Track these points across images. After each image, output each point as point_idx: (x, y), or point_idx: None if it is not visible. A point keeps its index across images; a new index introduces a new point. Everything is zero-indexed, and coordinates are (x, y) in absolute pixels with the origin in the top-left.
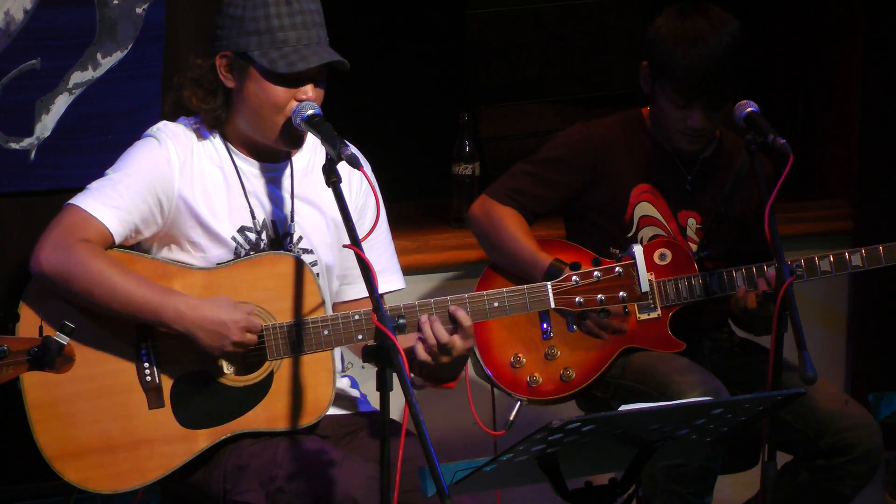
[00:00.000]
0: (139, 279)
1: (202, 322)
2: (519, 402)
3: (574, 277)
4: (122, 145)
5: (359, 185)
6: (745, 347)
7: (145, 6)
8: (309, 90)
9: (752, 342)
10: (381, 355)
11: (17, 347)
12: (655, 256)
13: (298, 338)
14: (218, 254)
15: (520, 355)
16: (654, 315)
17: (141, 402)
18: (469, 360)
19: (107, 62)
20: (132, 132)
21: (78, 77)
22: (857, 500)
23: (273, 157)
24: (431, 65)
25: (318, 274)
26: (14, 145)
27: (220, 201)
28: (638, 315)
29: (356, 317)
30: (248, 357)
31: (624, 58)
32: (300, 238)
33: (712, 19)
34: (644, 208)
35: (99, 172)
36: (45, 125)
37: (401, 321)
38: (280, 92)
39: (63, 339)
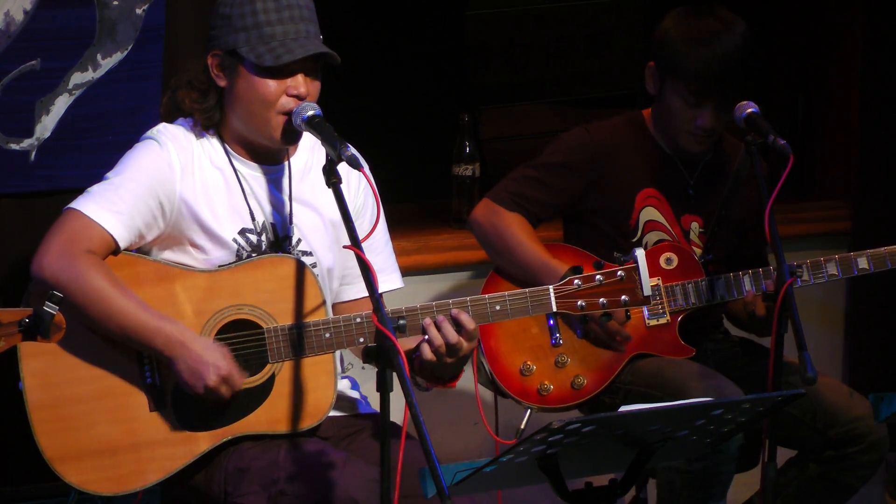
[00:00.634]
0: (138, 303)
1: (186, 355)
2: (529, 411)
3: (576, 281)
4: (122, 146)
5: (357, 184)
6: (746, 348)
7: (145, 7)
8: (300, 83)
9: (752, 342)
10: (381, 356)
11: (7, 319)
12: (662, 261)
13: (300, 340)
14: (219, 255)
15: (529, 363)
16: (662, 321)
17: (142, 405)
18: (476, 370)
19: (107, 63)
20: (132, 133)
21: (78, 78)
22: (858, 500)
23: (271, 158)
24: (431, 65)
25: (318, 276)
26: (14, 146)
27: (221, 203)
28: (647, 321)
29: (357, 319)
30: (250, 360)
31: (624, 58)
32: (299, 240)
33: (723, 20)
34: (649, 213)
35: (99, 173)
36: (45, 126)
37: (401, 322)
38: (269, 86)
39: (53, 308)
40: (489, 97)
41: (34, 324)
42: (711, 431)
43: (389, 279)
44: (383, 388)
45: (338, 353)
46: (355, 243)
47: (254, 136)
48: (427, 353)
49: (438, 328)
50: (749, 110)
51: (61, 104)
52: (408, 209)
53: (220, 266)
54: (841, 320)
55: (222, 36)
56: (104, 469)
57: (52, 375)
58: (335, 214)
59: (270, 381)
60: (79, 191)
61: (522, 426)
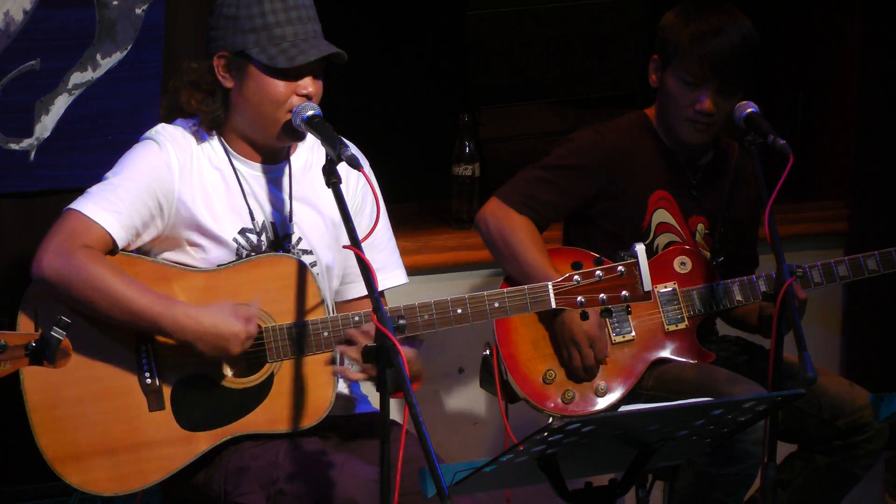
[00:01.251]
0: (141, 287)
1: (201, 333)
2: (551, 419)
3: (576, 277)
4: (121, 146)
5: (356, 183)
6: (745, 348)
7: (145, 7)
8: (308, 83)
9: (750, 342)
10: (380, 356)
11: (15, 342)
12: (676, 265)
13: (299, 339)
14: (219, 255)
15: (552, 371)
16: (682, 326)
17: (141, 405)
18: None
19: (106, 63)
20: (132, 133)
21: (77, 78)
22: (858, 499)
23: (271, 157)
24: (431, 65)
25: (318, 274)
26: (14, 146)
27: (221, 203)
28: (666, 326)
29: (356, 318)
30: (249, 359)
31: (624, 59)
32: (299, 239)
33: (727, 11)
34: (661, 215)
35: (99, 173)
36: (45, 126)
37: (401, 322)
38: (280, 87)
39: (60, 334)
40: (489, 97)
41: (41, 348)
42: (711, 431)
43: (393, 275)
44: (383, 387)
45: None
46: (355, 243)
47: (259, 135)
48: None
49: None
50: (749, 110)
51: (61, 104)
52: (408, 209)
53: (219, 266)
54: (838, 319)
55: (228, 37)
56: (104, 469)
57: (51, 376)
58: (335, 213)
59: (269, 380)
60: (79, 191)
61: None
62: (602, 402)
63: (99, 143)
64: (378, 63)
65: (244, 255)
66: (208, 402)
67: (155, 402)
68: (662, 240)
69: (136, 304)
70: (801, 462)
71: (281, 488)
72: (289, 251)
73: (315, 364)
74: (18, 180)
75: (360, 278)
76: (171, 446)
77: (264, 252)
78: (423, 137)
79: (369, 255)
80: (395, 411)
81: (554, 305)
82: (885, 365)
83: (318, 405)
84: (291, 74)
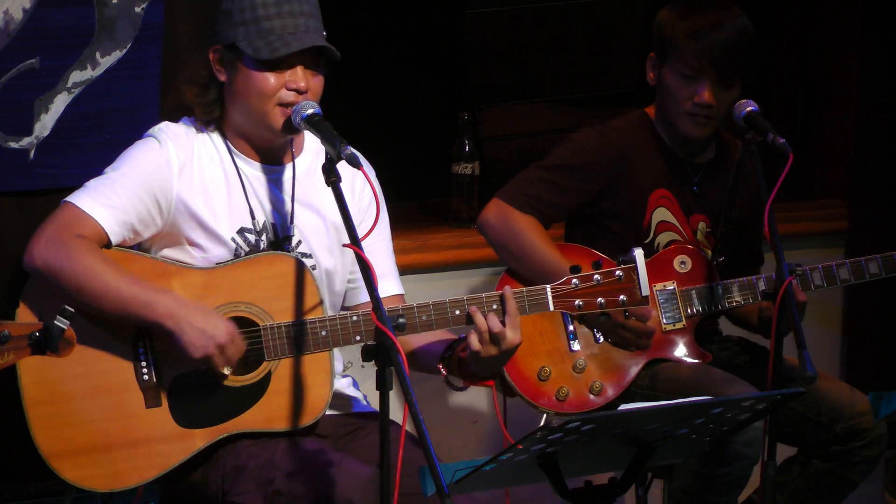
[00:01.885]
0: (131, 277)
1: (192, 320)
2: (545, 415)
3: (574, 280)
4: (121, 144)
5: (361, 188)
6: (745, 347)
7: (144, 5)
8: (299, 76)
9: (751, 342)
10: (380, 354)
11: (18, 332)
12: (676, 264)
13: (296, 338)
14: (218, 254)
15: (547, 367)
16: (679, 325)
17: (138, 401)
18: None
19: (106, 61)
20: (131, 131)
21: (77, 76)
22: (858, 499)
23: (273, 158)
24: (431, 64)
25: (316, 276)
26: (13, 144)
27: (221, 202)
28: (664, 325)
29: (354, 318)
30: (247, 357)
31: (624, 57)
32: (299, 242)
33: (724, 6)
34: (661, 214)
35: (98, 172)
36: (44, 124)
37: (400, 321)
38: (268, 79)
39: (63, 323)
40: (488, 96)
41: (44, 338)
42: (711, 430)
43: (397, 283)
44: (383, 386)
45: (337, 351)
46: (355, 242)
47: (254, 129)
48: (473, 341)
49: (484, 315)
50: (748, 109)
51: (60, 102)
52: (407, 208)
53: (217, 263)
54: (839, 318)
55: (222, 31)
56: (100, 465)
57: (48, 372)
58: (338, 217)
59: (267, 378)
60: (78, 189)
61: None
62: (597, 401)
63: (98, 141)
64: (377, 62)
65: (243, 255)
66: (205, 399)
67: (152, 399)
68: (663, 238)
69: (127, 291)
70: (798, 466)
71: (277, 488)
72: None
73: (312, 363)
74: (18, 179)
75: (382, 278)
76: (168, 443)
77: (264, 251)
78: (423, 136)
79: (376, 259)
80: (395, 410)
81: (552, 308)
82: (885, 365)
83: (315, 404)
84: (279, 66)
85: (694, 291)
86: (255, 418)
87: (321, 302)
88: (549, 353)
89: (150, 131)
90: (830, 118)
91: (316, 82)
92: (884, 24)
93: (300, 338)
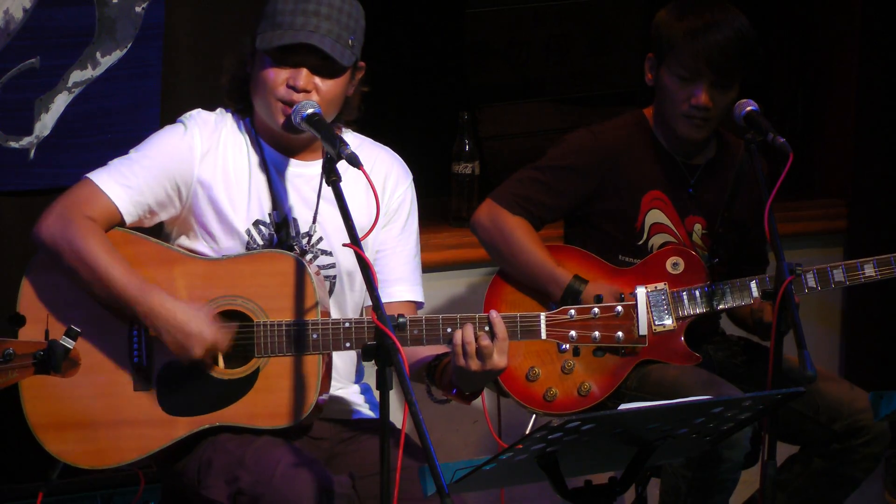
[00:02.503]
0: (126, 269)
1: (171, 325)
2: (534, 416)
3: (571, 311)
4: (121, 144)
5: (393, 187)
6: (745, 347)
7: (144, 5)
8: (300, 76)
9: (751, 341)
10: (380, 354)
11: (22, 351)
12: (668, 265)
13: (287, 338)
14: (229, 246)
15: (536, 368)
16: (669, 326)
17: (127, 383)
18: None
19: (106, 61)
20: (131, 131)
21: (77, 76)
22: (858, 498)
23: (304, 153)
24: (431, 63)
25: (333, 277)
26: (13, 144)
27: (241, 192)
28: (654, 327)
29: (346, 324)
30: (238, 351)
31: (624, 56)
32: (320, 239)
33: (722, 7)
34: (655, 215)
35: None
36: (45, 124)
37: (401, 320)
38: (271, 72)
39: (69, 343)
40: (489, 95)
41: (48, 356)
42: (711, 430)
43: (414, 290)
44: (383, 386)
45: (353, 356)
46: (354, 241)
47: (268, 121)
48: (459, 358)
49: (465, 332)
50: (748, 108)
51: (61, 102)
52: None
53: (222, 255)
54: (838, 318)
55: (257, 25)
56: (83, 441)
57: None
58: (364, 218)
59: (254, 375)
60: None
61: (528, 431)
62: (585, 402)
63: (99, 141)
64: (377, 61)
65: (254, 250)
66: (192, 388)
67: (141, 383)
68: (657, 240)
69: (116, 282)
70: (799, 465)
71: (241, 487)
72: (304, 252)
73: (302, 365)
74: (18, 178)
75: (389, 284)
76: (151, 427)
77: (276, 246)
78: (423, 135)
79: (392, 263)
80: (395, 410)
81: (544, 337)
82: (885, 365)
83: (299, 407)
84: (285, 63)
85: (685, 293)
86: (238, 413)
87: (317, 305)
88: (538, 353)
89: (181, 116)
90: (830, 118)
91: (325, 87)
92: (883, 24)
93: (291, 338)
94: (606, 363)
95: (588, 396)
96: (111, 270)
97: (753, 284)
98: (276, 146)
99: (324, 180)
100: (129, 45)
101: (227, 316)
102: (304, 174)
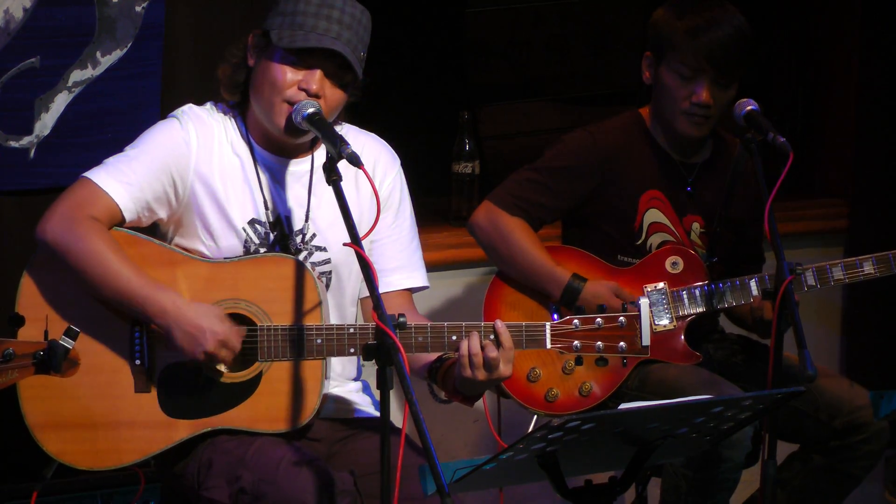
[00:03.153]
0: (135, 269)
1: (181, 322)
2: (535, 416)
3: (575, 321)
4: (121, 143)
5: (382, 175)
6: (745, 345)
7: (145, 5)
8: (314, 79)
9: (751, 340)
10: (381, 353)
11: (22, 351)
12: (667, 265)
13: (291, 343)
14: (228, 244)
15: (537, 369)
16: (669, 326)
17: (128, 384)
18: None
19: (106, 60)
20: (132, 130)
21: (77, 75)
22: (858, 498)
23: (293, 151)
24: (431, 63)
25: (329, 272)
26: (13, 144)
27: (235, 191)
28: (654, 326)
29: (351, 330)
30: (241, 355)
31: (624, 55)
32: (314, 235)
33: (719, 4)
34: (653, 215)
35: None
36: (45, 123)
37: (401, 320)
38: (285, 72)
39: (68, 344)
40: (489, 95)
41: (48, 356)
42: (711, 429)
43: (413, 276)
44: (383, 385)
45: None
46: (355, 240)
47: (264, 121)
48: (464, 363)
49: (473, 343)
50: (749, 108)
51: (61, 102)
52: None
53: (225, 258)
54: (838, 317)
55: (267, 18)
56: (82, 442)
57: None
58: (356, 209)
59: (257, 378)
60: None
61: (529, 431)
62: (586, 402)
63: (99, 140)
64: (378, 61)
65: (251, 249)
66: (194, 391)
67: (142, 384)
68: (655, 239)
69: (126, 282)
70: (799, 463)
71: (243, 486)
72: (298, 250)
73: (304, 369)
74: (18, 178)
75: (388, 274)
76: (151, 430)
77: (271, 246)
78: (423, 135)
79: (388, 253)
80: (395, 410)
81: (549, 346)
82: (885, 364)
83: (302, 411)
84: (300, 64)
85: (685, 292)
86: (240, 416)
87: (321, 310)
88: (539, 354)
89: (174, 112)
90: (830, 117)
91: (333, 94)
92: (883, 23)
93: (295, 343)
94: (608, 362)
95: (589, 396)
96: (121, 270)
97: (753, 283)
98: (265, 144)
99: (313, 177)
100: (129, 45)
101: (231, 319)
102: (294, 171)
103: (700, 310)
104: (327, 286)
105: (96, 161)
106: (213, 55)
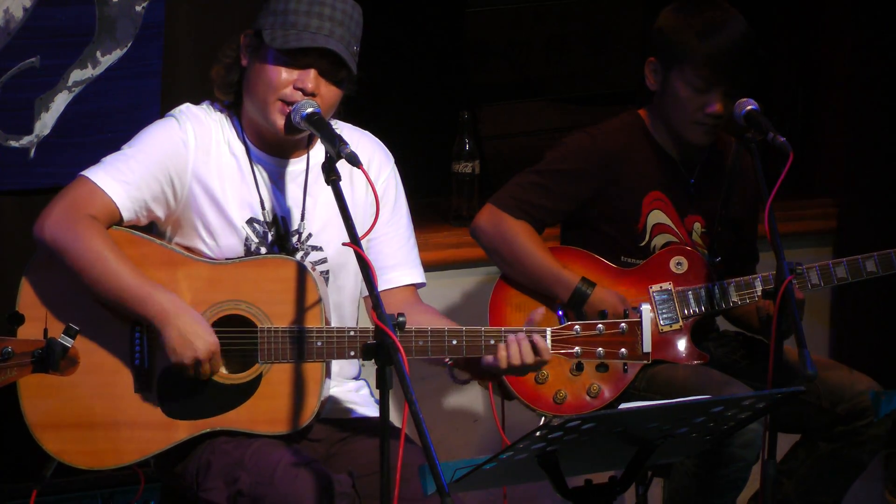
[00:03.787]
0: (133, 268)
1: (179, 323)
2: (543, 418)
3: (576, 327)
4: (121, 143)
5: (378, 169)
6: (744, 343)
7: (145, 4)
8: (309, 78)
9: (750, 338)
10: (380, 353)
11: (21, 349)
12: (672, 265)
13: (291, 345)
14: (229, 243)
15: (544, 371)
16: (675, 326)
17: (128, 384)
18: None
19: (106, 60)
20: (131, 130)
21: (77, 75)
22: (858, 498)
23: (288, 150)
24: (431, 63)
25: (326, 272)
26: (13, 143)
27: (233, 190)
28: (661, 327)
29: (351, 333)
30: (241, 356)
31: (624, 55)
32: (310, 235)
33: (723, 8)
34: (656, 216)
35: None
36: (45, 123)
37: (400, 319)
38: (279, 72)
39: (67, 342)
40: (489, 95)
41: (46, 355)
42: (711, 429)
43: (410, 273)
44: (383, 385)
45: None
46: (354, 240)
47: (260, 121)
48: (502, 361)
49: (519, 345)
50: (749, 107)
51: (61, 101)
52: (408, 206)
53: (226, 259)
54: (826, 312)
55: (259, 17)
56: (81, 442)
57: None
58: (351, 208)
59: (257, 380)
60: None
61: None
62: (594, 403)
63: (99, 140)
64: (378, 60)
65: (252, 247)
66: (194, 392)
67: (142, 385)
68: (659, 240)
69: (126, 281)
70: (804, 451)
71: (241, 488)
72: (295, 249)
73: (304, 371)
74: (18, 178)
75: (387, 271)
76: (151, 430)
77: (270, 245)
78: (424, 135)
79: (386, 250)
80: (395, 410)
81: (550, 353)
82: (874, 357)
83: (302, 413)
84: (294, 63)
85: (690, 292)
86: (240, 418)
87: (322, 313)
88: None
89: (172, 111)
90: (830, 118)
91: (328, 91)
92: (879, 24)
93: (295, 345)
94: (615, 363)
95: (598, 398)
96: (119, 269)
97: (758, 283)
98: (260, 144)
99: (308, 177)
100: (129, 45)
101: (232, 321)
102: (289, 171)
103: (706, 309)
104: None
105: (96, 161)
106: (213, 55)
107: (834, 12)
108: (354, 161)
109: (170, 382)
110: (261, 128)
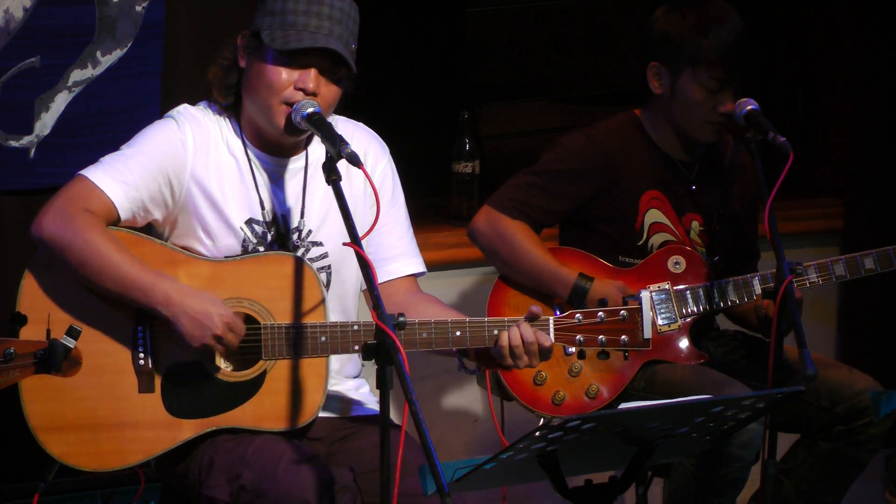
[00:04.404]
0: (134, 259)
1: (188, 308)
2: (542, 419)
3: (577, 315)
4: (121, 143)
5: (374, 162)
6: (744, 342)
7: (145, 4)
8: (310, 78)
9: (749, 336)
10: (380, 353)
11: (23, 350)
12: (670, 264)
13: (295, 341)
14: (227, 244)
15: (543, 372)
16: (674, 326)
17: (131, 385)
18: (488, 377)
19: (106, 60)
20: (132, 130)
21: (77, 75)
22: (858, 498)
23: (286, 150)
24: (432, 62)
25: (328, 267)
26: (14, 143)
27: (232, 190)
28: (659, 327)
29: (355, 327)
30: (245, 353)
31: (624, 55)
32: (310, 231)
33: (720, 6)
34: (654, 215)
35: None
36: (45, 123)
37: (401, 319)
38: (280, 73)
39: (70, 343)
40: (489, 94)
41: (49, 356)
42: (712, 429)
43: (411, 262)
44: (383, 385)
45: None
46: (354, 239)
47: (261, 122)
48: (505, 351)
49: (520, 326)
50: (749, 107)
51: (61, 101)
52: (407, 206)
53: (226, 257)
54: (834, 313)
55: (255, 18)
56: (86, 444)
57: None
58: (349, 203)
59: (261, 377)
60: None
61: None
62: (593, 404)
63: (99, 140)
64: (378, 60)
65: (249, 248)
66: (198, 391)
67: (145, 384)
68: (657, 239)
69: (128, 272)
70: (804, 450)
71: (243, 484)
72: (296, 247)
73: (308, 367)
74: (18, 178)
75: (387, 262)
76: (156, 430)
77: (269, 245)
78: (424, 134)
79: (386, 241)
80: (395, 410)
81: (553, 340)
82: (881, 359)
83: (307, 409)
84: (294, 63)
85: (689, 291)
86: (245, 415)
87: (324, 308)
88: None
89: (170, 112)
90: (827, 117)
91: (328, 90)
92: (881, 23)
93: (299, 341)
94: (612, 364)
95: (597, 398)
96: (121, 261)
97: (756, 281)
98: (259, 144)
99: (307, 174)
100: (129, 45)
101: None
102: (289, 169)
103: (705, 308)
104: (327, 281)
105: (96, 160)
106: (214, 55)
107: (834, 12)
108: (355, 161)
109: (173, 381)
110: (261, 128)
